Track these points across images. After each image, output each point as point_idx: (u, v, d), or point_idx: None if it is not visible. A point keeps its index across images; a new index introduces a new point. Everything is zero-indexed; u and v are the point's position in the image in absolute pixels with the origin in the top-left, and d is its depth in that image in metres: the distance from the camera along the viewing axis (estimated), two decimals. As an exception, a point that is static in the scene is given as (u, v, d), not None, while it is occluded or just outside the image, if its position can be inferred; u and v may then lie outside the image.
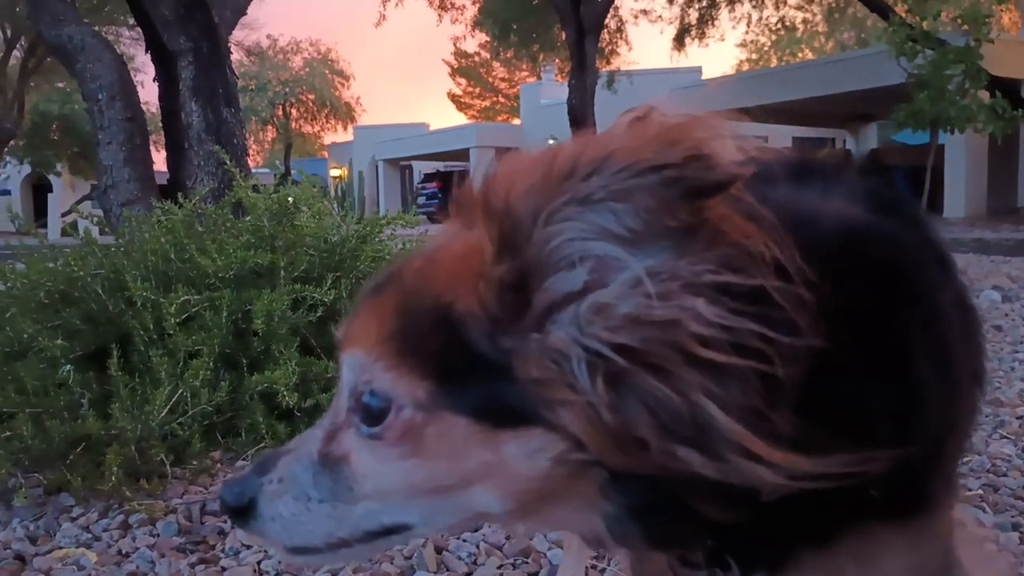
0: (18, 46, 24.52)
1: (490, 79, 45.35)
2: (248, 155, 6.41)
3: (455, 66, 45.30)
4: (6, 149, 26.50)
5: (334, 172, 37.67)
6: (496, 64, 39.45)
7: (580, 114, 17.10)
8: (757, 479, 0.64)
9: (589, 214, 0.63)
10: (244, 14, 7.25)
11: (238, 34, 20.73)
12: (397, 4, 22.17)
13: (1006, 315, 5.49)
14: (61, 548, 2.22)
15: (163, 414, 2.60)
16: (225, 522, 2.35)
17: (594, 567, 2.04)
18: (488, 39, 25.91)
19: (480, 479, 0.74)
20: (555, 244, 0.65)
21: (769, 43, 39.60)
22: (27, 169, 31.20)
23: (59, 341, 2.85)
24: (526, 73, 37.44)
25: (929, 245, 0.83)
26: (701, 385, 0.63)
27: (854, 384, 0.71)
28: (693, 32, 23.10)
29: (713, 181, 0.62)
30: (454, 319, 0.71)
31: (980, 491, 2.43)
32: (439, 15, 23.26)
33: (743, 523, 0.71)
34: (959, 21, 14.65)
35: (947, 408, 0.75)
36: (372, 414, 0.76)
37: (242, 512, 0.83)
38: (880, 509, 0.75)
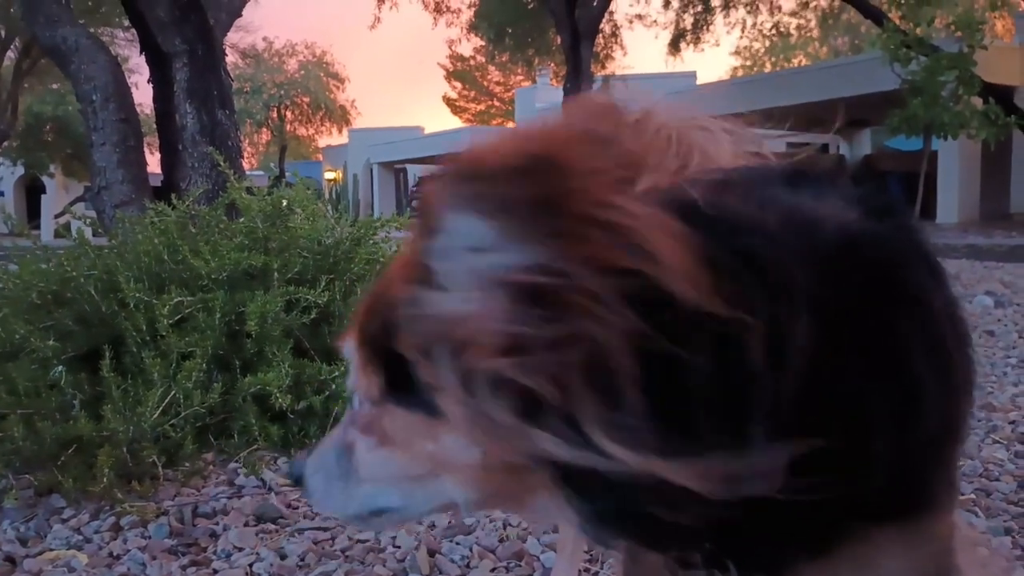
0: (12, 47, 24.47)
1: (485, 83, 45.38)
2: (242, 157, 6.41)
3: (450, 69, 45.35)
4: (-1, 150, 26.45)
5: (329, 175, 37.62)
6: (491, 68, 39.51)
7: (575, 118, 17.06)
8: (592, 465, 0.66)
9: (456, 216, 0.65)
10: (239, 16, 7.26)
11: (233, 36, 20.75)
12: (391, 7, 22.19)
13: (998, 320, 5.51)
14: (52, 550, 2.21)
15: (155, 416, 2.59)
16: (217, 524, 2.35)
17: (587, 570, 2.04)
18: (483, 43, 25.94)
19: (439, 469, 0.78)
20: (430, 243, 0.67)
21: (763, 49, 39.75)
22: (20, 170, 31.09)
23: (51, 342, 2.84)
24: (521, 77, 37.48)
25: (921, 252, 0.83)
26: (515, 373, 0.65)
27: (853, 384, 0.71)
28: (688, 37, 23.16)
29: (566, 188, 0.63)
30: (396, 316, 0.74)
31: (973, 495, 2.44)
32: (434, 18, 23.30)
33: (739, 525, 0.71)
34: (952, 27, 14.70)
35: (947, 409, 0.75)
36: (358, 406, 0.85)
37: (299, 482, 0.95)
38: (882, 511, 0.75)
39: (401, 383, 0.75)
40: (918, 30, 14.59)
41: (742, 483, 0.66)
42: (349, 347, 0.83)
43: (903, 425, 0.72)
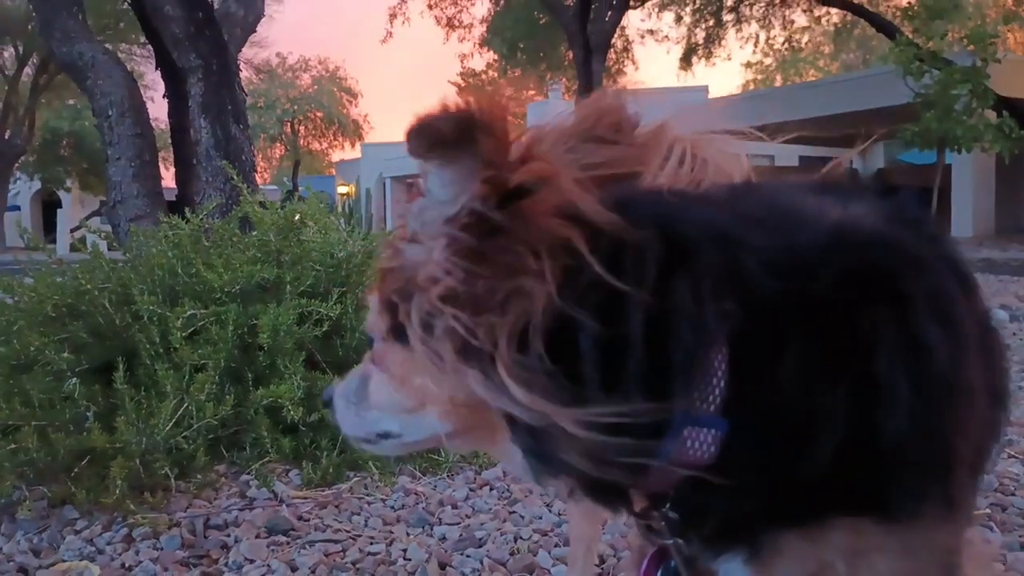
0: (29, 63, 24.75)
1: (497, 97, 45.49)
2: (256, 171, 6.45)
3: (462, 85, 45.52)
4: (17, 165, 26.69)
5: (342, 189, 37.69)
6: (503, 82, 39.62)
7: (587, 132, 17.08)
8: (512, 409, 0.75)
9: (426, 176, 0.78)
10: (254, 32, 7.33)
11: (247, 52, 20.92)
12: (404, 22, 22.35)
13: (1014, 334, 5.48)
14: (64, 561, 2.22)
15: (168, 428, 2.60)
16: (228, 536, 2.35)
17: (598, 584, 2.03)
18: (496, 58, 26.05)
19: (425, 401, 0.88)
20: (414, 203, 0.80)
21: (775, 64, 39.71)
22: (37, 185, 31.40)
23: (65, 354, 2.86)
24: (533, 92, 37.58)
25: (947, 262, 0.83)
26: (452, 316, 0.75)
27: (792, 373, 0.73)
28: (700, 51, 23.20)
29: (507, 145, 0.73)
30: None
31: (988, 510, 2.42)
32: (446, 33, 23.45)
33: (691, 495, 0.78)
34: (965, 41, 14.66)
35: (926, 416, 0.75)
36: (372, 343, 0.96)
37: (328, 404, 1.08)
38: (857, 503, 0.77)
39: (400, 324, 0.84)
40: (931, 44, 14.56)
41: (619, 435, 0.72)
42: (372, 293, 0.94)
43: (855, 422, 0.73)
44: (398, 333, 0.86)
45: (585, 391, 0.73)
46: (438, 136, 0.73)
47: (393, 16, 22.66)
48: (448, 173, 0.75)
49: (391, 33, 23.18)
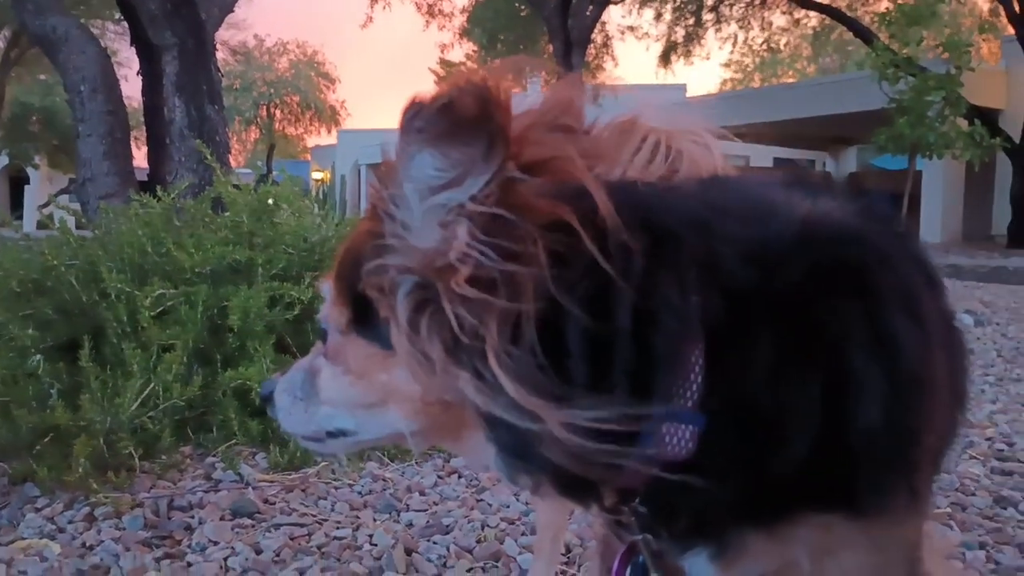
0: (0, 36, 24.29)
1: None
2: (230, 154, 6.38)
3: (441, 75, 45.32)
4: (-16, 140, 26.22)
5: (316, 175, 37.43)
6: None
7: (564, 126, 17.11)
8: (512, 416, 0.72)
9: (410, 159, 0.72)
10: (231, 12, 7.23)
11: (224, 33, 20.69)
12: (384, 6, 22.22)
13: (978, 339, 5.57)
14: (24, 539, 2.18)
15: (134, 407, 2.57)
16: (192, 517, 2.33)
17: (563, 573, 2.03)
18: (475, 48, 25.97)
19: (389, 398, 0.86)
20: (391, 190, 0.75)
21: (753, 65, 39.97)
22: (5, 160, 30.86)
23: (30, 331, 2.82)
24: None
25: (914, 260, 0.84)
26: (466, 308, 0.71)
27: (765, 368, 0.73)
28: (679, 50, 23.29)
29: (499, 123, 0.70)
30: (361, 259, 0.81)
31: (948, 509, 2.45)
32: (426, 20, 23.32)
33: (662, 491, 0.76)
34: (940, 49, 14.84)
35: (896, 411, 0.75)
36: (324, 337, 0.94)
37: (268, 400, 1.05)
38: (825, 501, 0.76)
39: (364, 317, 0.82)
40: (906, 50, 14.71)
41: (603, 436, 0.71)
42: (326, 283, 0.91)
43: (828, 417, 0.73)
44: (362, 327, 0.84)
45: (573, 388, 0.71)
46: (461, 115, 0.69)
47: (374, 0, 22.53)
48: (456, 154, 0.70)
49: (371, 18, 23.02)
